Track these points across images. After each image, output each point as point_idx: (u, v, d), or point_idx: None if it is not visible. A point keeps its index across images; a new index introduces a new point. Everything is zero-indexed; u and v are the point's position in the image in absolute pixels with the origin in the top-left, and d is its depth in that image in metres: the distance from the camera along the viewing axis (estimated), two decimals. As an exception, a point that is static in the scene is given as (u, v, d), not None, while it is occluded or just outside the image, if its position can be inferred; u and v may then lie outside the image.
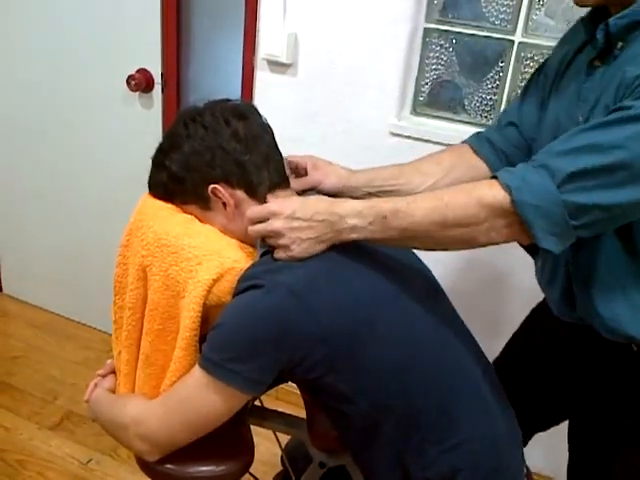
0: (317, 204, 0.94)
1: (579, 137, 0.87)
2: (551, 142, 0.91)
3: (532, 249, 0.91)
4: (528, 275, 1.22)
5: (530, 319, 1.32)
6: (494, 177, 0.90)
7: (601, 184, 0.84)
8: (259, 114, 1.05)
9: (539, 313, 1.28)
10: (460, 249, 0.96)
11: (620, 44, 0.94)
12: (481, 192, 0.89)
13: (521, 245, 0.93)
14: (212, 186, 0.99)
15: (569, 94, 1.04)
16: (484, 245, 0.93)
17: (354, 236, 0.93)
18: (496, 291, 1.85)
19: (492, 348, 1.17)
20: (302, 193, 1.11)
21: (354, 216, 0.92)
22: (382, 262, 1.00)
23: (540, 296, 1.22)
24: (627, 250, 0.98)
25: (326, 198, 0.98)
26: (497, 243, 0.92)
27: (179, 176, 1.01)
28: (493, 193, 0.88)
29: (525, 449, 1.13)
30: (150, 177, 1.07)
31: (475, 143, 1.24)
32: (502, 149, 1.20)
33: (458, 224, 0.90)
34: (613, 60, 0.95)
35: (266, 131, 1.04)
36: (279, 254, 0.93)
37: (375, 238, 0.93)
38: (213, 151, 0.99)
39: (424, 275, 1.12)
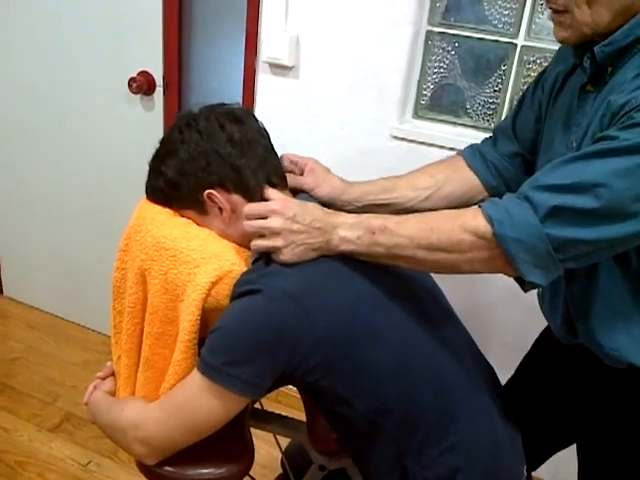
0: (314, 211, 0.94)
1: (562, 170, 0.85)
2: (545, 166, 0.89)
3: (521, 279, 0.89)
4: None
5: (539, 342, 1.31)
6: (480, 206, 0.89)
7: (584, 220, 0.82)
8: (255, 118, 1.04)
9: (547, 335, 1.25)
10: (445, 273, 0.95)
11: (610, 69, 0.92)
12: (465, 221, 0.88)
13: (509, 276, 0.91)
14: (208, 191, 0.99)
15: (562, 118, 1.03)
16: (468, 273, 0.92)
17: (343, 248, 0.94)
18: (492, 294, 1.85)
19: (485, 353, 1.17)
20: (294, 194, 1.10)
21: (346, 228, 0.93)
22: (378, 268, 1.00)
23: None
24: (625, 278, 0.96)
25: (321, 207, 0.98)
26: (481, 273, 0.91)
27: (175, 182, 1.01)
28: (476, 223, 0.87)
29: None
30: (147, 182, 1.06)
31: (468, 156, 1.24)
32: (494, 163, 1.21)
33: (442, 249, 0.89)
34: (604, 86, 0.93)
35: (262, 135, 1.03)
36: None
37: (362, 252, 0.94)
38: (208, 156, 0.98)
39: (423, 282, 1.12)
